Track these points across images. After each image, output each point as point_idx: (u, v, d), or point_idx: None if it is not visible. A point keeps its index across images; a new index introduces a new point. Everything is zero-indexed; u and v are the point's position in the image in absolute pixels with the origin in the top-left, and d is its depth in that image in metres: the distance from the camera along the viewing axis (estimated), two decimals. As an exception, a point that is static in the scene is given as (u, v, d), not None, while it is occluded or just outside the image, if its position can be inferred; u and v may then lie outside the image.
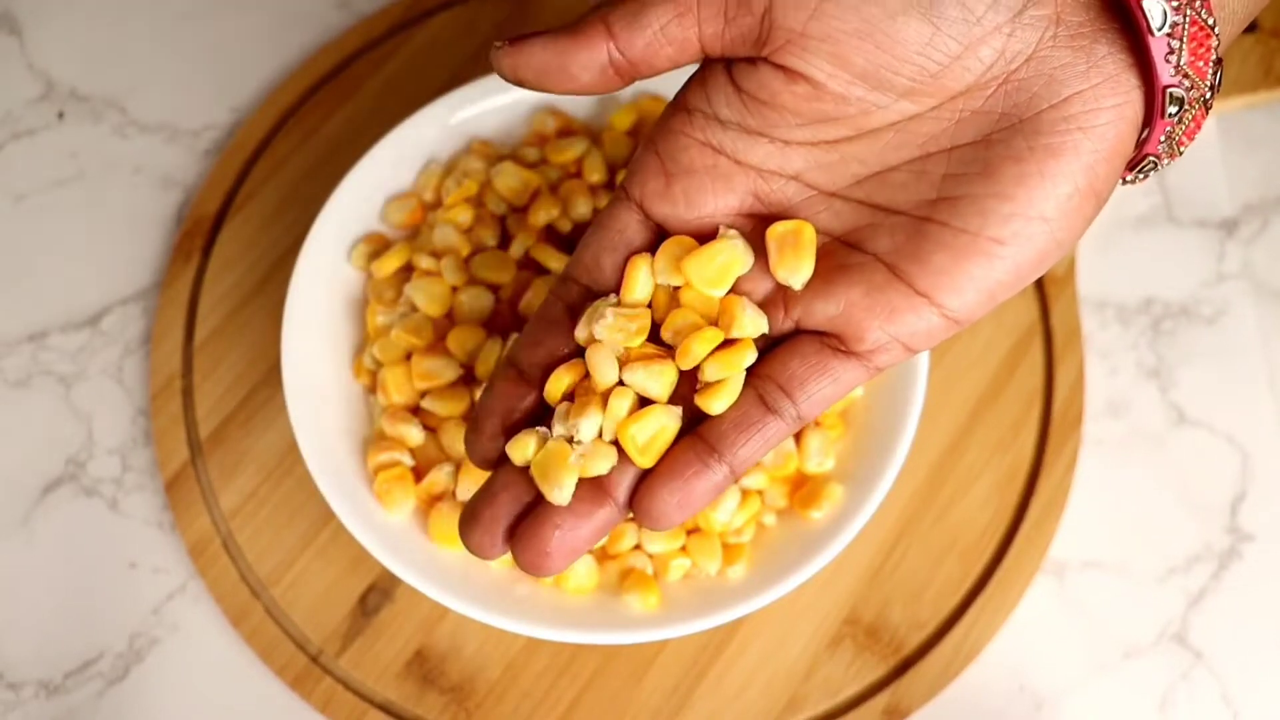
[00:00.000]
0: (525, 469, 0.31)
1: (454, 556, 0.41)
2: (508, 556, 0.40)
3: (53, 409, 0.48)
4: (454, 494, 0.41)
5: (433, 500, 0.41)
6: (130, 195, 0.52)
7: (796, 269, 0.31)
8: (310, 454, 0.41)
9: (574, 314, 0.32)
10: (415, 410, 0.42)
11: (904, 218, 0.30)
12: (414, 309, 0.42)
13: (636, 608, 0.40)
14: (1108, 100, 0.29)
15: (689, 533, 0.41)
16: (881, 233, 0.31)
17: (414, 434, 0.41)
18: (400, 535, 0.40)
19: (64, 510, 0.47)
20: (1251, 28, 0.52)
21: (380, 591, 0.44)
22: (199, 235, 0.50)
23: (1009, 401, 0.47)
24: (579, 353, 0.32)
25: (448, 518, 0.40)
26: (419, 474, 0.41)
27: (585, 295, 0.33)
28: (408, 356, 0.42)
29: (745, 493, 0.41)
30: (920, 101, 0.29)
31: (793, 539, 0.41)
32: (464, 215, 0.44)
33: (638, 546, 0.41)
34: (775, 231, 0.31)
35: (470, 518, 0.32)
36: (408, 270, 0.44)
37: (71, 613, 0.45)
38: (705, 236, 0.32)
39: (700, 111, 0.31)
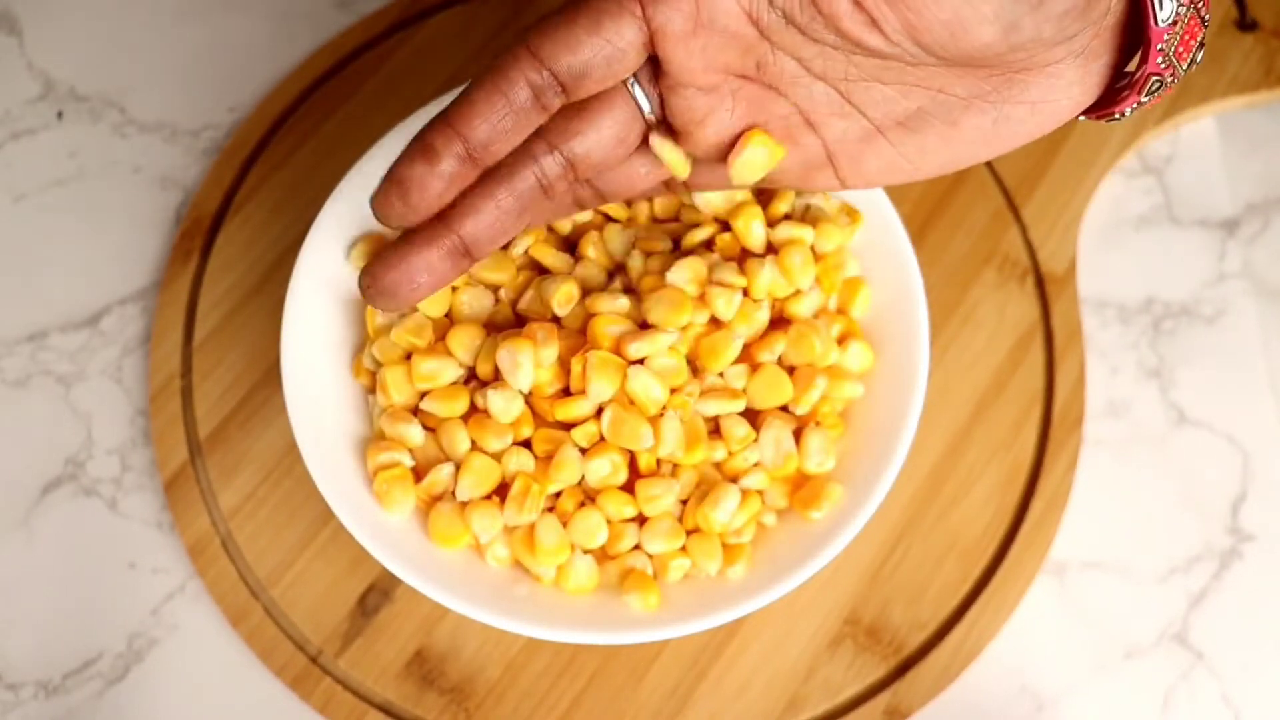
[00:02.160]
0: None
1: (454, 557, 0.41)
2: (507, 555, 0.41)
3: (52, 409, 0.48)
4: (454, 494, 0.41)
5: (432, 500, 0.41)
6: (129, 195, 0.52)
7: (744, 180, 0.35)
8: (309, 454, 0.40)
9: (538, 100, 0.32)
10: (415, 410, 0.42)
11: (866, 122, 0.33)
12: (413, 309, 0.42)
13: (636, 608, 0.40)
14: (1077, 99, 0.32)
15: (689, 533, 0.41)
16: (838, 124, 0.34)
17: (414, 434, 0.41)
18: (400, 535, 0.40)
19: (63, 510, 0.47)
20: (1252, 27, 0.53)
21: (380, 592, 0.44)
22: (198, 235, 0.50)
23: (1009, 401, 0.47)
24: (537, 149, 0.33)
25: (448, 518, 0.40)
26: (419, 474, 0.41)
27: (554, 86, 0.32)
28: (407, 356, 0.42)
29: (745, 493, 0.41)
30: (943, 62, 0.31)
31: (793, 539, 0.41)
32: (464, 215, 0.44)
33: (637, 547, 0.41)
34: (756, 139, 0.34)
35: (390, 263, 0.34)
36: (407, 270, 0.44)
37: (70, 613, 0.45)
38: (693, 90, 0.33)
39: None
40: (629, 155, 0.35)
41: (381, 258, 0.34)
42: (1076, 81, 0.32)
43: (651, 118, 0.34)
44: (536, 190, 0.34)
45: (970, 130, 0.33)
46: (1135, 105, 0.32)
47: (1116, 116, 0.33)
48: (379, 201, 0.33)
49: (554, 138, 0.33)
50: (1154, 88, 0.31)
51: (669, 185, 0.37)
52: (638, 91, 0.33)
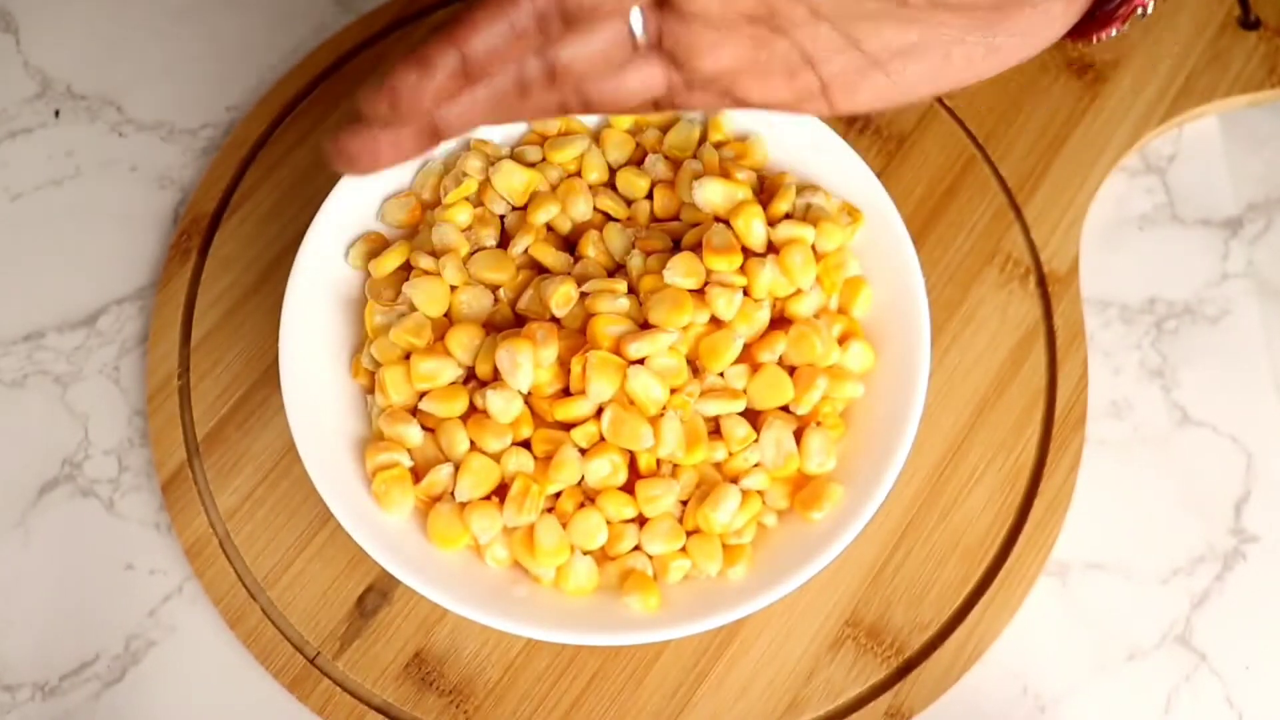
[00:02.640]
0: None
1: (453, 558, 0.40)
2: (506, 556, 0.40)
3: (49, 409, 0.48)
4: (453, 494, 0.40)
5: (431, 501, 0.41)
6: (127, 194, 0.52)
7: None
8: (308, 454, 0.40)
9: (540, 26, 0.31)
10: (414, 410, 0.42)
11: (863, 56, 0.34)
12: (412, 309, 0.42)
13: (637, 609, 0.40)
14: (1059, 28, 0.34)
15: (689, 534, 0.41)
16: (838, 60, 0.34)
17: (412, 434, 0.41)
18: (399, 536, 0.40)
19: (60, 511, 0.46)
20: (1255, 25, 0.52)
21: (378, 593, 0.44)
22: (196, 234, 0.50)
23: (1012, 402, 0.47)
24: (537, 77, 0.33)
25: (447, 518, 0.40)
26: (417, 475, 0.41)
27: (559, 15, 0.31)
28: (406, 356, 0.42)
29: (746, 493, 0.41)
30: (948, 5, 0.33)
31: (793, 540, 0.41)
32: (463, 214, 0.44)
33: (637, 547, 0.41)
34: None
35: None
36: (406, 269, 0.44)
37: (68, 614, 0.45)
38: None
39: None
40: (614, 73, 0.34)
41: (351, 127, 0.33)
42: (1060, 15, 0.33)
43: (642, 41, 0.33)
44: (513, 90, 0.33)
45: (961, 60, 0.34)
46: (1115, 32, 0.34)
47: (1093, 41, 0.35)
48: (366, 102, 0.32)
49: (539, 43, 0.33)
50: (1136, 18, 0.34)
51: (658, 104, 0.37)
52: (634, 14, 0.33)
